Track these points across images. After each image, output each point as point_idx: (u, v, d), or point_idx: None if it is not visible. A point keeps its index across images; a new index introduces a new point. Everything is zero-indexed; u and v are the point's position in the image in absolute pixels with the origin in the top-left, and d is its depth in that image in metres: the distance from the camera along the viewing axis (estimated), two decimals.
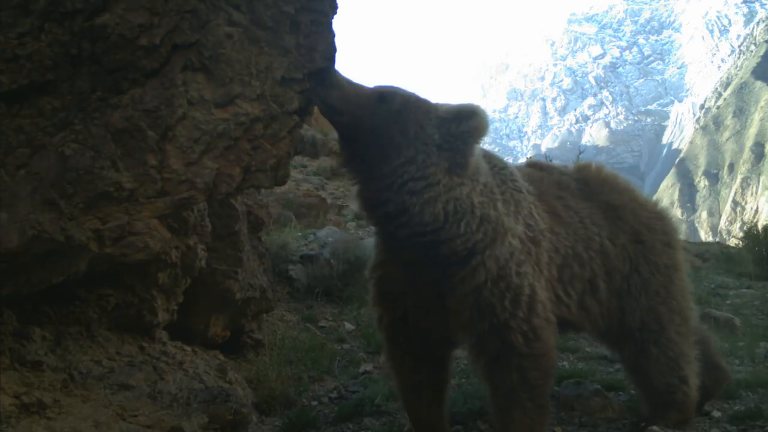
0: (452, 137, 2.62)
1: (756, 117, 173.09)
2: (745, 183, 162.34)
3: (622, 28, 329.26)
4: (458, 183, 2.63)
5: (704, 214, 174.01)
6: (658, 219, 3.50)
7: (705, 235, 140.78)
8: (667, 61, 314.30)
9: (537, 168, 3.45)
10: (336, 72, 2.66)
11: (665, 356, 3.26)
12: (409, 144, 2.59)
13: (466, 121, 2.62)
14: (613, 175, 3.56)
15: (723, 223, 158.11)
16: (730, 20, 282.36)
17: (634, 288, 3.27)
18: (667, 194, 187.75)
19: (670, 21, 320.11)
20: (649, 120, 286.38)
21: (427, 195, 2.57)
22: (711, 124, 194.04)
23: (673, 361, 3.27)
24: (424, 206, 2.57)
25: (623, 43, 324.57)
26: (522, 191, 2.98)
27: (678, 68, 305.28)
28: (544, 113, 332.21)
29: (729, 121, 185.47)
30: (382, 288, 2.99)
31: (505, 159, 3.39)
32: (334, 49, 2.90)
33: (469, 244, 2.65)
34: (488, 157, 3.04)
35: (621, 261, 3.26)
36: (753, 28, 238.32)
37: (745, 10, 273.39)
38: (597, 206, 3.29)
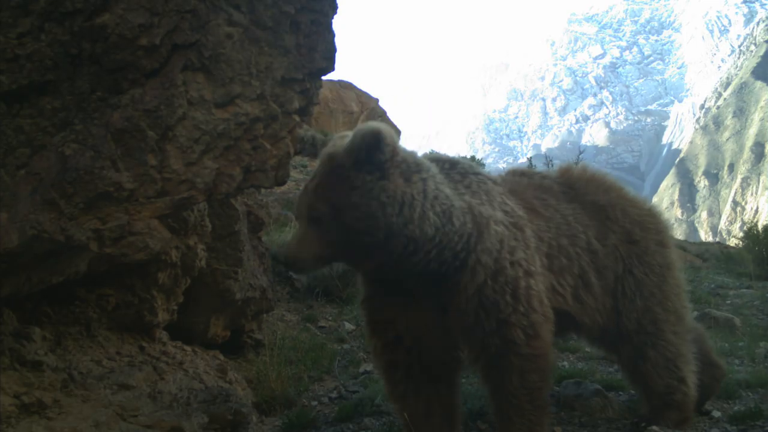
0: (374, 166, 2.50)
1: (756, 117, 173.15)
2: (745, 183, 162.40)
3: (622, 28, 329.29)
4: (419, 189, 2.56)
5: (704, 214, 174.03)
6: (650, 216, 3.45)
7: (705, 235, 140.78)
8: (667, 61, 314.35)
9: (517, 174, 3.42)
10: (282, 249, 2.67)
11: (663, 358, 3.25)
12: (371, 212, 2.48)
13: (366, 149, 2.50)
14: (600, 175, 3.50)
15: (723, 223, 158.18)
16: (730, 20, 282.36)
17: (629, 289, 3.24)
18: (667, 194, 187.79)
19: (670, 21, 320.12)
20: (649, 120, 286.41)
21: (412, 212, 2.51)
22: (711, 124, 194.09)
23: (671, 363, 3.26)
24: (421, 223, 2.53)
25: (623, 43, 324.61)
26: (487, 182, 2.91)
27: (678, 68, 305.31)
28: (544, 113, 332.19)
29: (729, 121, 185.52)
30: (377, 318, 2.91)
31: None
32: (334, 49, 2.90)
33: (464, 237, 2.62)
34: (438, 161, 2.91)
35: (613, 261, 3.22)
36: (753, 28, 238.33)
37: (745, 10, 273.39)
38: (582, 207, 3.24)
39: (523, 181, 3.29)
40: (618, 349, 3.41)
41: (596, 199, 3.30)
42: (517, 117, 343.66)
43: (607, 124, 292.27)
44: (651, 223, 3.42)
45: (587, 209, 3.25)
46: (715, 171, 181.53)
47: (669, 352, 3.27)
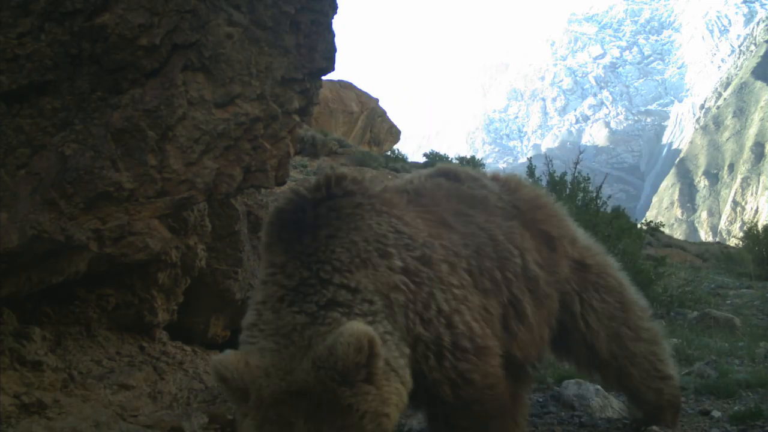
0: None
1: (756, 117, 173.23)
2: (745, 183, 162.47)
3: (622, 28, 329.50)
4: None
5: (704, 214, 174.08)
6: (591, 242, 3.36)
7: (705, 235, 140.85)
8: (667, 61, 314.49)
9: (448, 177, 3.03)
10: None
11: (645, 371, 3.22)
12: None
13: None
14: (546, 201, 3.24)
15: (723, 223, 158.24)
16: (730, 20, 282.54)
17: (594, 323, 3.09)
18: (667, 194, 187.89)
19: (670, 21, 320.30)
20: (649, 120, 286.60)
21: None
22: (711, 124, 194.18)
23: (652, 371, 3.24)
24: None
25: (623, 43, 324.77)
26: (370, 218, 2.41)
27: (678, 68, 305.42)
28: (544, 113, 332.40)
29: (729, 121, 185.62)
30: None
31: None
32: (333, 49, 2.91)
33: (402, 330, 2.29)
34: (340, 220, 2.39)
35: (563, 294, 3.01)
36: (753, 28, 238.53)
37: (745, 10, 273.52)
38: (526, 229, 2.92)
39: (444, 189, 2.90)
40: (599, 371, 3.33)
41: (547, 230, 3.03)
42: (517, 117, 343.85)
43: (607, 124, 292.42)
44: (594, 245, 3.35)
45: (532, 234, 2.94)
46: (715, 171, 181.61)
47: (648, 362, 3.23)
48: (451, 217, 2.73)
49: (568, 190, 9.99)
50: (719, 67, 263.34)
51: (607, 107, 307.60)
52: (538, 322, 2.82)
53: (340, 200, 2.44)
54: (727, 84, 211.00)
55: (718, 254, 17.48)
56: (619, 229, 9.04)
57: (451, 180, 3.00)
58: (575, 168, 10.02)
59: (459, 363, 2.32)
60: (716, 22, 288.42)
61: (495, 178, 3.24)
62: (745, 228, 15.41)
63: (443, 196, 2.85)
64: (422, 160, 26.12)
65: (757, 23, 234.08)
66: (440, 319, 2.34)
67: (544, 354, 3.05)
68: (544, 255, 2.93)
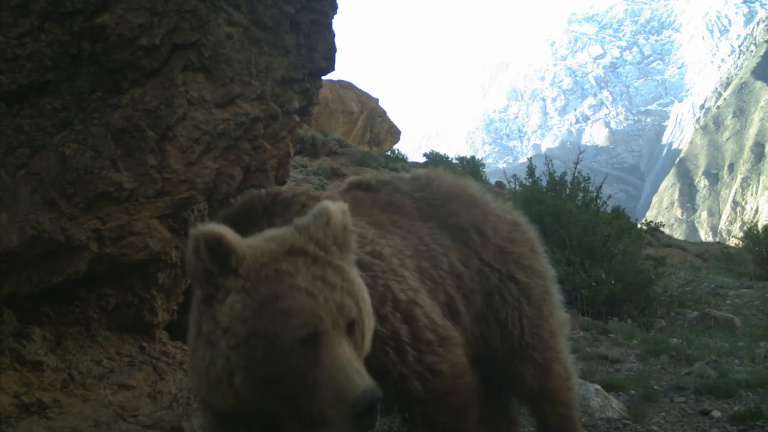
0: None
1: (756, 117, 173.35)
2: (745, 183, 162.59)
3: (622, 28, 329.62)
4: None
5: (704, 214, 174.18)
6: (518, 231, 3.07)
7: (705, 235, 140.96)
8: (667, 61, 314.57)
9: (362, 188, 2.99)
10: None
11: (564, 370, 2.98)
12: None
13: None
14: (461, 189, 3.08)
15: (723, 223, 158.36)
16: (730, 20, 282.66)
17: (510, 297, 2.87)
18: (667, 194, 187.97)
19: (670, 21, 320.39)
20: (649, 120, 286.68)
21: None
22: (711, 124, 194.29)
23: (567, 372, 2.99)
24: None
25: (623, 43, 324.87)
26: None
27: (678, 68, 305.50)
28: (544, 113, 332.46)
29: (729, 121, 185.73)
30: None
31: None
32: (334, 49, 2.91)
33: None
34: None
35: (481, 283, 2.83)
36: (753, 28, 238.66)
37: (745, 10, 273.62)
38: (441, 228, 2.86)
39: (367, 199, 2.88)
40: (516, 371, 2.90)
41: (458, 222, 2.92)
42: (517, 117, 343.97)
43: (607, 124, 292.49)
44: (520, 236, 3.08)
45: (447, 231, 2.88)
46: (715, 171, 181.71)
47: (567, 361, 3.02)
48: (384, 222, 2.74)
49: (568, 190, 10.00)
50: (719, 67, 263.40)
51: (607, 107, 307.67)
52: (470, 321, 2.77)
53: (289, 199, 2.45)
54: (727, 84, 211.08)
55: (718, 254, 17.50)
56: (619, 229, 9.06)
57: (365, 190, 2.97)
58: (575, 168, 10.04)
59: (425, 356, 2.31)
60: (716, 22, 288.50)
61: (411, 177, 3.15)
62: (745, 228, 15.45)
63: (367, 206, 2.82)
64: (422, 160, 26.12)
65: (757, 23, 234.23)
66: (396, 313, 2.31)
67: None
68: (460, 250, 2.85)
